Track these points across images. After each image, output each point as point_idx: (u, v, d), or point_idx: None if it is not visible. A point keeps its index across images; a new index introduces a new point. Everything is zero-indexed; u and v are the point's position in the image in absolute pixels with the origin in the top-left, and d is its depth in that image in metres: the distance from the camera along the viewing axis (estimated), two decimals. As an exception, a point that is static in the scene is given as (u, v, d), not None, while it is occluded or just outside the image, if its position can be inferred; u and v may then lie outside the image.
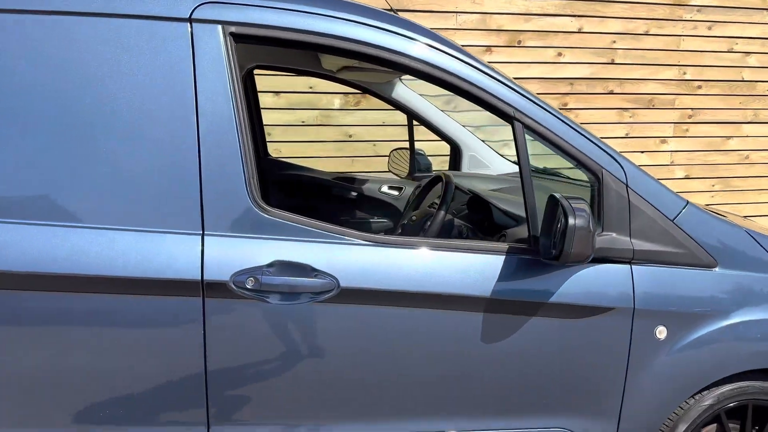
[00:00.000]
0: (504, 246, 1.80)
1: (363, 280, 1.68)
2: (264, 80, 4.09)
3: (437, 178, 2.54)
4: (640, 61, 5.02)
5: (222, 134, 1.63)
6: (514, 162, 3.37)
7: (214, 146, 1.62)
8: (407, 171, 3.51)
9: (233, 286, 1.62)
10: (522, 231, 2.02)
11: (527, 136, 1.82)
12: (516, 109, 1.79)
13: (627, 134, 5.13)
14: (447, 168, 3.47)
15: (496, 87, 1.79)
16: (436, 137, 3.36)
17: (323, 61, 2.66)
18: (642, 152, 5.20)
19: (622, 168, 1.85)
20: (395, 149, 3.60)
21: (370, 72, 2.63)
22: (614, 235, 1.83)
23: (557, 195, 1.70)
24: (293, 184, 3.31)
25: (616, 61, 4.97)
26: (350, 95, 4.50)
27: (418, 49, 1.76)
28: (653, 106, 5.14)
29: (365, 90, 3.26)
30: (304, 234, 1.68)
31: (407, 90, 3.22)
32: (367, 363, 1.73)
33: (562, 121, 1.83)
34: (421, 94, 3.26)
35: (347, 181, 3.35)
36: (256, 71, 3.27)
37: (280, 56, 3.02)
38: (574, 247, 1.60)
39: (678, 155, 5.29)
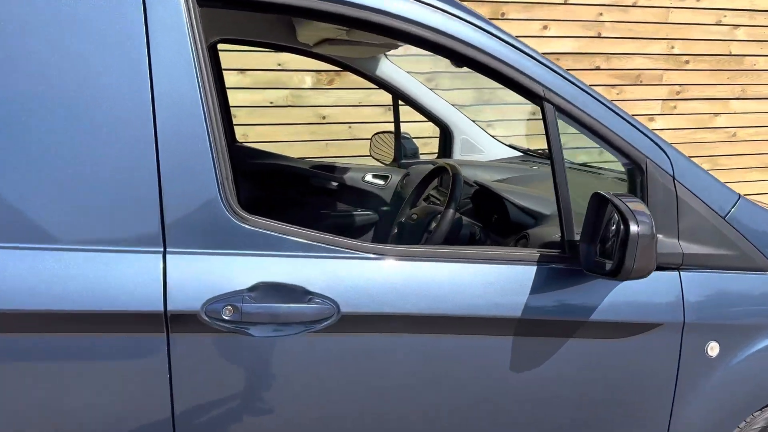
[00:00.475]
0: (534, 254, 1.50)
1: (369, 303, 1.35)
2: (227, 57, 3.68)
3: (439, 169, 2.21)
4: (627, 35, 4.76)
5: (186, 122, 1.26)
6: (509, 146, 3.07)
7: (176, 138, 1.26)
8: (392, 157, 3.18)
9: (205, 318, 1.27)
10: (546, 232, 1.71)
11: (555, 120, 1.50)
12: (546, 87, 1.47)
13: (614, 112, 4.88)
14: (437, 154, 3.15)
15: (522, 61, 1.47)
16: (422, 118, 3.03)
17: (300, 33, 2.29)
18: (629, 131, 4.97)
19: (668, 157, 1.56)
20: (378, 133, 3.26)
21: (354, 46, 2.27)
22: (661, 237, 1.54)
23: (605, 193, 1.40)
24: (266, 175, 2.94)
25: (603, 35, 4.70)
26: (323, 73, 4.12)
27: (428, 14, 1.41)
28: (641, 82, 4.89)
29: (345, 67, 2.90)
30: (294, 247, 1.34)
31: (392, 66, 2.87)
32: (376, 405, 1.41)
33: (600, 101, 1.52)
34: (407, 71, 2.92)
35: (327, 169, 3.00)
36: (219, 46, 2.87)
37: (248, 27, 2.63)
38: (637, 260, 1.29)
39: (665, 134, 5.08)
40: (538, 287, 1.46)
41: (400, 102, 2.99)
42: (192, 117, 1.26)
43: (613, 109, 1.53)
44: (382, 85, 2.90)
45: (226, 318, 1.27)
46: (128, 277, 1.24)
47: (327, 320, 1.32)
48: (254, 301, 1.29)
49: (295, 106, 4.12)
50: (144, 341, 1.26)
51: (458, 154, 3.01)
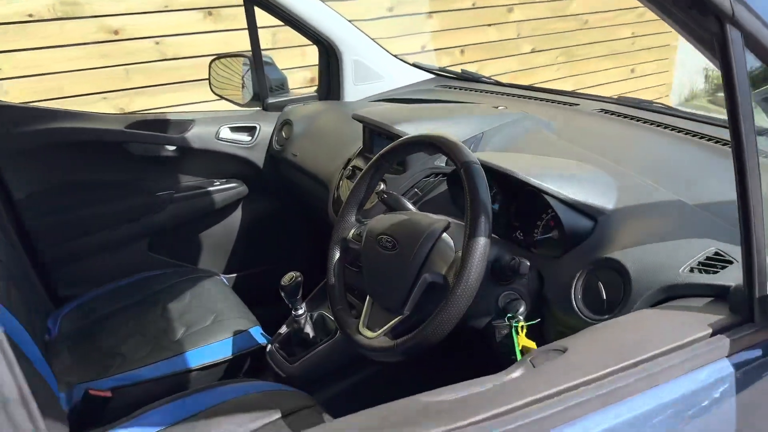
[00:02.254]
0: (688, 336, 0.72)
1: None
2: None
3: (420, 143, 1.25)
4: None
5: None
6: (416, 66, 2.19)
7: None
8: (249, 94, 2.14)
9: None
10: (636, 258, 0.95)
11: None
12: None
13: (474, 5, 4.18)
14: (317, 86, 2.17)
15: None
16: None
17: None
18: (489, 26, 4.33)
19: None
20: (218, 57, 2.17)
21: None
22: None
23: None
24: (49, 150, 1.77)
25: None
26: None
27: None
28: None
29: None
30: None
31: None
32: None
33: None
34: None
35: (152, 126, 1.89)
36: None
37: None
38: None
39: (523, 26, 4.53)
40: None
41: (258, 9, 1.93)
42: None
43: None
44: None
45: None
46: None
47: None
48: None
49: (69, 18, 2.77)
50: None
51: (350, 82, 2.08)
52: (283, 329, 1.52)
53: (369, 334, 1.04)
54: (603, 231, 1.05)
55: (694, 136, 1.40)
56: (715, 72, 6.40)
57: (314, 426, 1.20)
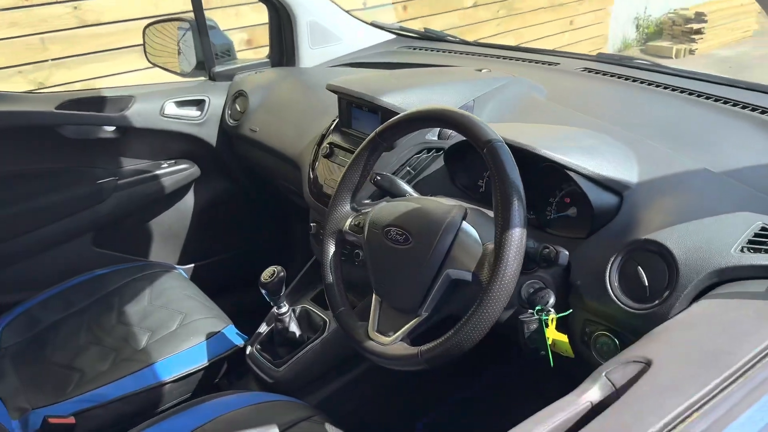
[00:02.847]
0: None
1: None
2: None
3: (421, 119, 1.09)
4: None
5: None
6: (387, 29, 2.03)
7: None
8: (192, 62, 1.92)
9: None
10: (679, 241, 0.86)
11: None
12: None
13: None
14: (269, 51, 1.97)
15: None
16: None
17: None
18: (430, -21, 4.17)
19: None
20: (154, 22, 1.93)
21: None
22: None
23: None
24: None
25: None
26: None
27: None
28: None
29: None
30: None
31: None
32: None
33: None
34: None
35: (87, 105, 1.66)
36: None
37: None
38: None
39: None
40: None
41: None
42: None
43: None
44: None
45: None
46: None
47: None
48: None
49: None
50: None
51: (306, 46, 1.90)
52: (263, 328, 1.37)
53: (383, 339, 0.92)
54: (632, 208, 0.95)
55: (690, 94, 1.32)
56: (646, 22, 6.48)
57: (318, 440, 1.09)
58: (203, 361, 1.32)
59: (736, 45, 6.29)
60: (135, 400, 1.24)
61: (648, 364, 0.62)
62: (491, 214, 0.96)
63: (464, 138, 1.14)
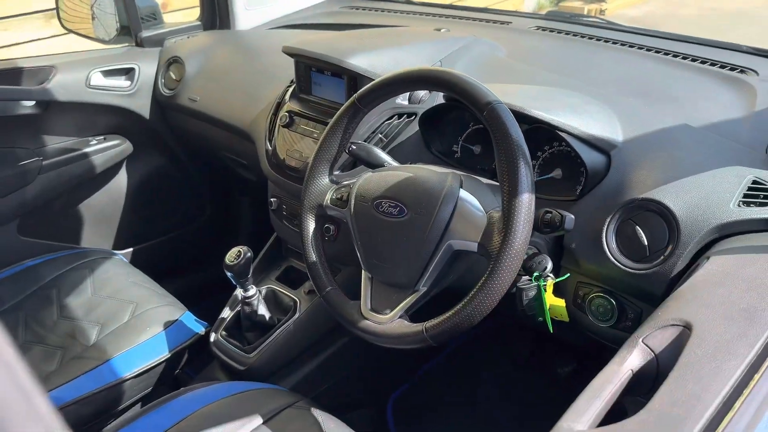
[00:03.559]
0: None
1: None
2: None
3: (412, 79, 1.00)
4: None
5: None
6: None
7: None
8: (112, 27, 1.74)
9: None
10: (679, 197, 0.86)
11: None
12: None
13: None
14: (198, 17, 1.82)
15: None
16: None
17: None
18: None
19: None
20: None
21: None
22: None
23: None
24: None
25: None
26: None
27: None
28: None
29: None
30: None
31: None
32: None
33: None
34: None
35: (1, 78, 1.47)
36: None
37: None
38: None
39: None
40: None
41: None
42: None
43: None
44: None
45: None
46: None
47: None
48: None
49: None
50: None
51: (241, 6, 1.77)
52: (227, 313, 1.28)
53: (380, 318, 0.87)
54: (622, 167, 0.94)
55: (649, 50, 1.32)
56: (558, -18, 6.59)
57: (306, 425, 1.03)
58: (164, 353, 1.22)
59: (642, 4, 6.54)
60: (94, 401, 1.13)
61: (688, 327, 0.61)
62: (484, 181, 0.93)
63: (440, 102, 1.09)
